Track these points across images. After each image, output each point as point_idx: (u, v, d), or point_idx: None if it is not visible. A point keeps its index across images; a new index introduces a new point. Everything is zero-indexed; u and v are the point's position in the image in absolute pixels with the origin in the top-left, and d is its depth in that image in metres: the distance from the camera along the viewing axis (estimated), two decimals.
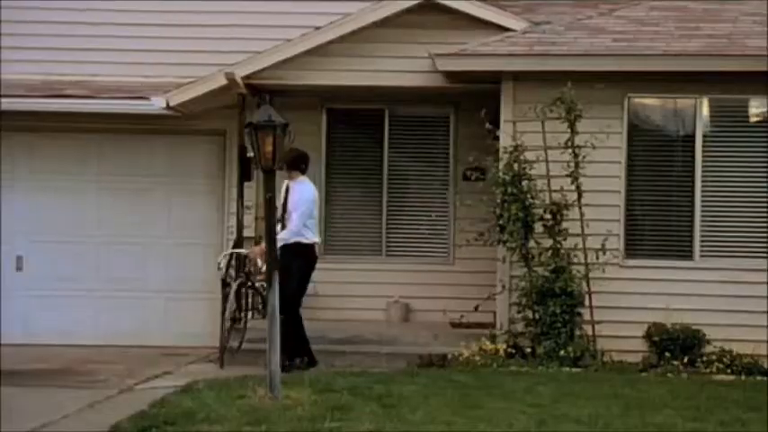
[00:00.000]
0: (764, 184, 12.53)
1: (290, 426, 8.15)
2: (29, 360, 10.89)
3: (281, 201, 11.62)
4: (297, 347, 11.57)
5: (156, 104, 13.14)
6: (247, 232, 13.48)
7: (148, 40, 13.96)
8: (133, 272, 14.14)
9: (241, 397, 9.32)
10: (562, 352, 11.71)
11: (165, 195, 14.27)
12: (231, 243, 13.33)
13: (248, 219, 13.55)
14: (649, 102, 12.88)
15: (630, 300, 12.28)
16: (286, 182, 11.75)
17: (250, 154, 11.49)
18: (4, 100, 13.22)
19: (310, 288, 13.73)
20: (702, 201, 12.58)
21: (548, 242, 12.18)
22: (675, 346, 11.97)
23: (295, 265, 11.51)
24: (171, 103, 13.11)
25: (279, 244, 10.59)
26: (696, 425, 8.49)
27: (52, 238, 14.09)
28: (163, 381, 10.96)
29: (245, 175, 13.30)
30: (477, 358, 11.76)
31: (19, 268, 14.06)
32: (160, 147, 14.29)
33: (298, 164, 11.79)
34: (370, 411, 8.81)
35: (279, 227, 11.08)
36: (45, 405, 9.35)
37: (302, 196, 11.68)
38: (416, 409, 8.89)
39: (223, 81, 12.86)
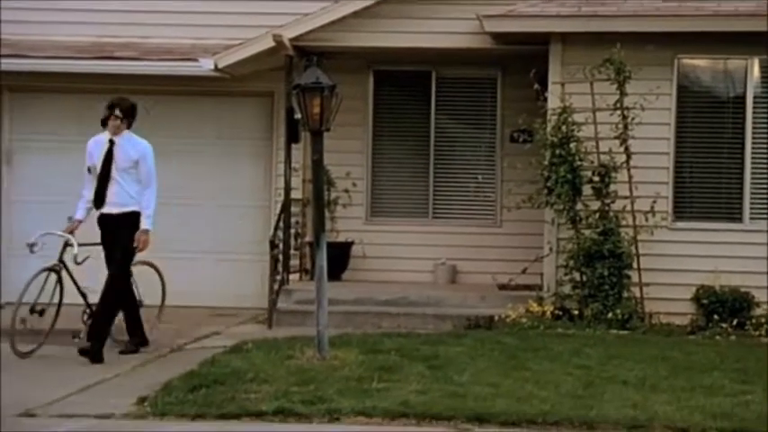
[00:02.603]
0: None
1: (337, 386, 8.22)
2: (82, 320, 11.01)
3: (102, 157, 10.03)
4: (106, 325, 10.06)
5: (205, 66, 13.19)
6: (295, 194, 13.53)
7: (198, 2, 14.02)
8: (182, 233, 14.24)
9: (289, 357, 9.42)
10: (609, 314, 11.69)
11: (213, 157, 14.35)
12: (279, 205, 13.39)
13: (296, 181, 13.59)
14: (699, 63, 12.76)
15: (679, 262, 12.22)
16: (107, 136, 10.10)
17: (297, 116, 11.38)
18: (54, 62, 13.34)
19: (358, 250, 13.84)
20: (753, 163, 12.48)
21: (595, 204, 12.14)
22: (724, 308, 11.92)
23: (128, 235, 9.99)
24: (219, 65, 13.14)
25: (118, 210, 9.98)
26: (744, 387, 8.46)
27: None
28: (212, 341, 11.07)
29: (292, 137, 13.32)
30: (524, 320, 11.78)
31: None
32: (208, 109, 14.36)
33: (134, 114, 10.26)
34: (416, 372, 8.87)
35: (90, 189, 10.08)
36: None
37: (147, 154, 10.13)
38: (463, 371, 8.93)
39: (271, 43, 12.88)
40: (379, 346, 10.05)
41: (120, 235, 9.94)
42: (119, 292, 9.98)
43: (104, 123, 10.12)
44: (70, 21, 14.06)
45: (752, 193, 12.49)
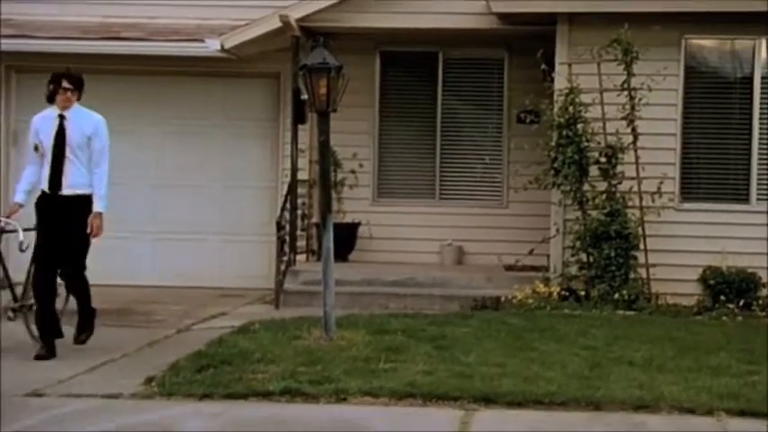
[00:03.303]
0: None
1: (344, 366, 8.23)
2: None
3: (53, 134, 9.03)
4: (52, 322, 9.09)
5: (211, 47, 13.18)
6: (302, 175, 13.54)
7: None
8: (189, 214, 14.27)
9: (296, 338, 9.44)
10: (616, 295, 11.69)
11: (220, 138, 14.36)
12: (286, 186, 13.39)
13: (302, 162, 13.59)
14: (707, 43, 12.72)
15: (685, 243, 12.22)
16: (55, 111, 9.11)
17: (304, 96, 11.34)
18: (60, 42, 13.34)
19: (365, 231, 13.83)
20: (760, 144, 12.46)
21: (602, 185, 12.13)
22: (731, 289, 11.92)
23: (83, 222, 8.98)
24: (226, 46, 13.14)
25: (70, 192, 8.98)
26: (751, 368, 8.46)
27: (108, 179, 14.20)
28: (219, 321, 11.10)
29: (299, 118, 13.31)
30: (531, 301, 11.78)
31: None
32: (215, 89, 14.35)
33: (83, 85, 9.27)
34: (423, 353, 8.88)
35: (35, 170, 9.10)
36: (105, 344, 9.49)
37: (102, 128, 9.15)
38: (470, 351, 8.94)
39: (277, 23, 12.87)
40: (386, 326, 10.06)
41: (74, 221, 8.90)
42: (85, 285, 9.19)
43: (51, 99, 9.10)
44: (76, 1, 14.06)
45: (759, 174, 12.47)
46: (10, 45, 13.50)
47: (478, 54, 14.22)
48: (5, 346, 9.12)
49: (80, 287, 9.17)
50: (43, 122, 9.08)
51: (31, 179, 9.11)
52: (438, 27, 13.17)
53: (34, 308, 9.17)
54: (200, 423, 6.85)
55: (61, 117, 9.03)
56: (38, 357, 8.80)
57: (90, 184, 9.00)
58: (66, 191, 8.96)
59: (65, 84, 9.01)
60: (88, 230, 8.91)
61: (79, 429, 6.74)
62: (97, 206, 8.97)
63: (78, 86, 9.12)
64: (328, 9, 13.07)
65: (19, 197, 9.12)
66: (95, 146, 9.05)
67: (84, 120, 9.08)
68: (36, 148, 9.04)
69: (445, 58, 14.20)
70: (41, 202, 9.02)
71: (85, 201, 8.97)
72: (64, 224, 8.91)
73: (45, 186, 8.99)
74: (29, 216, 9.13)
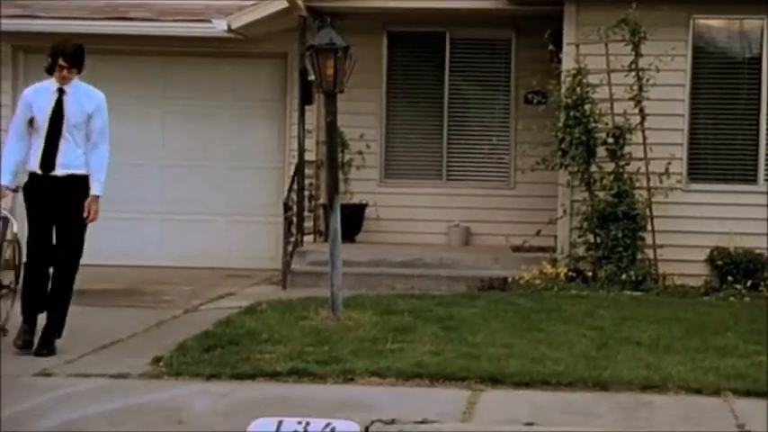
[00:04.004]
0: None
1: (351, 346, 8.25)
2: (96, 280, 11.05)
3: (50, 110, 8.29)
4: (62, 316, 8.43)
5: (218, 27, 13.17)
6: (309, 156, 13.53)
7: None
8: (197, 195, 14.28)
9: (304, 318, 9.45)
10: (623, 276, 11.69)
11: (226, 119, 14.36)
12: (293, 167, 13.39)
13: (309, 142, 13.58)
14: (715, 23, 12.68)
15: (693, 224, 12.20)
16: (53, 84, 8.36)
17: (311, 77, 11.33)
18: (68, 23, 13.33)
19: (372, 212, 13.83)
20: None
21: (610, 166, 12.11)
22: (738, 270, 11.91)
23: (79, 205, 8.31)
24: (232, 26, 13.12)
25: (64, 172, 8.25)
26: (758, 348, 8.45)
27: (116, 159, 14.15)
28: (226, 301, 11.12)
29: (306, 99, 13.30)
30: (538, 282, 11.79)
31: None
32: (222, 70, 14.35)
33: (82, 60, 8.46)
34: (430, 333, 8.89)
35: (22, 147, 8.29)
36: (113, 324, 9.54)
37: (103, 106, 8.45)
38: (477, 332, 8.95)
39: (284, 4, 12.85)
40: (393, 307, 10.07)
41: (69, 204, 8.24)
42: (74, 279, 8.45)
43: (51, 71, 8.37)
44: None
45: (767, 155, 12.43)
46: (17, 25, 13.52)
47: (486, 34, 14.19)
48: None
49: (70, 280, 8.37)
50: (38, 95, 8.36)
51: (17, 157, 8.29)
52: (446, 7, 13.14)
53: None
54: (208, 403, 6.87)
55: (60, 91, 8.31)
56: (20, 347, 8.17)
57: (85, 165, 8.30)
58: (60, 171, 8.23)
59: (61, 61, 8.26)
60: (85, 214, 8.27)
61: (88, 409, 6.76)
62: (95, 189, 8.33)
63: (76, 63, 8.32)
64: None
65: (6, 179, 8.31)
66: (95, 125, 8.36)
67: (85, 96, 8.40)
68: (31, 123, 8.27)
69: (452, 38, 14.16)
70: (32, 185, 8.28)
71: (81, 182, 8.29)
72: (58, 207, 8.23)
73: (35, 166, 8.26)
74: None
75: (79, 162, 8.30)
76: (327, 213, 10.27)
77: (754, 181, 12.47)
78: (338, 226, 9.55)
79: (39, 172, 8.24)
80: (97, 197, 8.33)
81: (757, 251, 12.01)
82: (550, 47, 12.04)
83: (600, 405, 6.95)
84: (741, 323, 9.68)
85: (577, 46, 12.25)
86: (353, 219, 13.47)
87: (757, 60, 12.46)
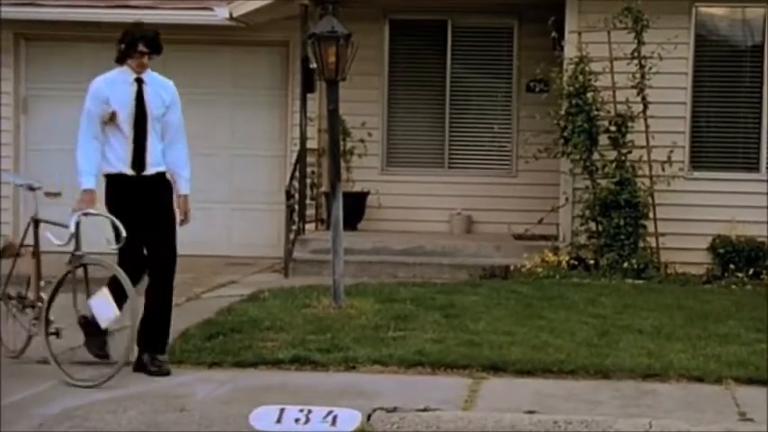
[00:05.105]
0: None
1: (353, 334, 8.26)
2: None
3: (131, 103, 7.54)
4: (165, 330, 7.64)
5: (220, 15, 13.16)
6: (310, 144, 13.52)
7: None
8: (198, 182, 14.10)
9: (306, 306, 9.46)
10: (625, 264, 11.70)
11: (228, 107, 14.35)
12: (295, 155, 13.38)
13: (311, 130, 13.56)
14: (717, 11, 12.66)
15: (695, 212, 12.21)
16: (129, 74, 7.59)
17: (313, 65, 11.30)
18: (69, 10, 13.34)
19: (374, 200, 13.84)
20: None
21: (612, 154, 12.11)
22: (740, 258, 11.92)
23: (169, 204, 7.73)
24: (234, 14, 13.11)
25: (154, 170, 7.57)
26: (760, 336, 8.47)
27: None
28: (229, 290, 11.12)
29: (308, 87, 13.29)
30: (540, 270, 11.79)
31: None
32: (224, 58, 14.33)
33: (161, 43, 7.67)
34: (432, 321, 8.90)
35: (123, 143, 7.52)
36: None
37: (177, 99, 7.80)
38: (479, 320, 8.96)
39: None
40: (395, 295, 10.09)
41: (164, 205, 7.61)
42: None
43: (122, 60, 7.62)
44: None
45: None
46: (19, 13, 13.50)
47: (488, 22, 14.16)
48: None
49: (170, 291, 7.72)
50: (114, 87, 7.53)
51: (97, 158, 7.50)
52: None
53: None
54: (210, 390, 6.88)
55: (139, 81, 7.55)
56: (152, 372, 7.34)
57: (164, 162, 7.63)
58: (150, 170, 7.54)
59: (141, 47, 7.48)
60: (180, 217, 7.72)
61: (90, 396, 6.77)
62: (185, 188, 7.76)
63: (158, 49, 7.57)
64: None
65: (90, 182, 7.45)
66: (172, 117, 7.68)
67: (161, 86, 7.69)
68: (112, 118, 7.47)
69: (454, 26, 14.14)
70: (120, 187, 7.50)
71: (166, 179, 7.67)
72: (152, 209, 7.51)
73: (124, 166, 7.50)
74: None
75: (160, 159, 7.63)
76: (329, 201, 10.29)
77: (756, 169, 12.47)
78: (340, 214, 9.56)
79: (129, 173, 7.50)
80: (187, 197, 7.80)
81: (759, 239, 12.01)
82: (553, 34, 12.03)
83: (601, 393, 6.96)
84: (743, 311, 9.68)
85: (580, 34, 12.24)
86: (355, 207, 13.47)
87: (759, 48, 12.45)
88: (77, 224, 7.25)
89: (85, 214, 7.26)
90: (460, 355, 7.64)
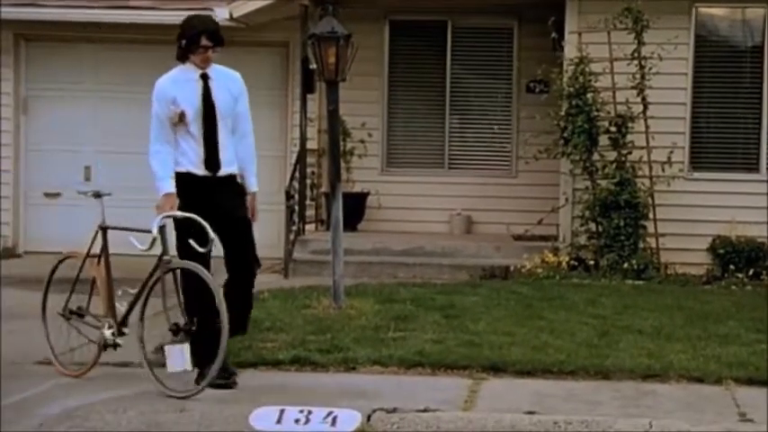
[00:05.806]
0: None
1: (353, 335, 8.26)
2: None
3: (199, 101, 7.21)
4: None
5: (220, 15, 13.09)
6: (310, 144, 13.52)
7: None
8: None
9: (306, 307, 9.47)
10: (625, 264, 11.69)
11: None
12: (295, 155, 13.37)
13: (311, 131, 13.56)
14: (717, 12, 12.66)
15: (695, 212, 12.20)
16: (194, 71, 7.28)
17: (313, 66, 11.30)
18: (69, 11, 13.34)
19: (374, 200, 13.84)
20: None
21: (612, 155, 12.11)
22: (740, 258, 11.92)
23: (243, 205, 7.46)
24: (234, 14, 13.10)
25: (228, 170, 7.27)
26: (760, 336, 8.47)
27: (118, 148, 14.22)
28: None
29: (308, 87, 13.28)
30: (540, 270, 11.79)
31: (87, 178, 14.23)
32: (223, 58, 14.15)
33: (222, 38, 7.41)
34: (432, 321, 8.91)
35: (192, 144, 7.19)
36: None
37: (244, 89, 7.53)
38: (478, 320, 8.96)
39: None
40: (395, 295, 10.09)
41: (241, 205, 7.34)
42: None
43: (185, 56, 7.27)
44: None
45: None
46: (19, 13, 13.50)
47: (488, 23, 14.16)
48: (11, 313, 9.16)
49: (249, 307, 7.50)
50: (180, 86, 7.17)
51: (171, 163, 7.14)
52: None
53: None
54: (210, 391, 6.86)
55: (204, 77, 7.22)
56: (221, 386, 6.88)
57: (236, 159, 7.31)
58: (225, 170, 7.21)
59: (205, 41, 7.17)
60: (249, 215, 7.42)
61: (90, 396, 6.77)
62: (253, 185, 7.45)
63: (221, 41, 7.28)
64: None
65: (168, 185, 7.13)
66: (240, 110, 7.37)
67: (227, 78, 7.34)
68: (181, 118, 7.12)
69: (454, 26, 14.14)
70: (193, 189, 7.15)
71: (237, 180, 7.36)
72: (228, 211, 7.19)
73: (197, 167, 7.16)
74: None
75: (233, 157, 7.30)
76: (329, 202, 10.29)
77: (756, 170, 12.47)
78: (340, 214, 9.56)
79: (203, 173, 7.17)
80: (255, 194, 7.50)
81: (759, 240, 12.01)
82: (553, 35, 12.03)
83: (601, 393, 6.96)
84: (743, 312, 9.68)
85: (580, 34, 12.24)
86: (355, 207, 13.47)
87: (759, 49, 12.45)
88: (162, 228, 7.00)
89: (168, 217, 7.02)
90: (460, 355, 7.64)
